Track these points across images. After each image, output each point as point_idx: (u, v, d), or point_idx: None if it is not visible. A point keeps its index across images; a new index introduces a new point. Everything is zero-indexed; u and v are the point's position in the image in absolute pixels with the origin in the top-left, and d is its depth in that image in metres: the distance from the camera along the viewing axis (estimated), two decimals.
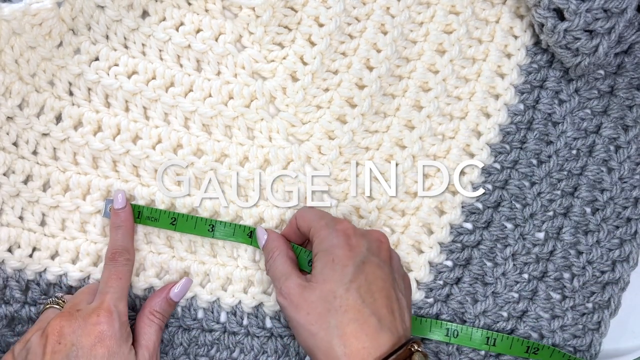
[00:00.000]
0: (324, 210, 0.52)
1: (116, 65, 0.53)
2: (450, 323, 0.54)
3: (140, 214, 0.52)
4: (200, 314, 0.54)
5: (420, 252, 0.55)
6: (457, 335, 0.53)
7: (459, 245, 0.55)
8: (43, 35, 0.49)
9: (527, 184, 0.55)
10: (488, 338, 0.54)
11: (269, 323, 0.54)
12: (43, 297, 0.52)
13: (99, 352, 0.44)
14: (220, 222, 0.53)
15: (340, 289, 0.43)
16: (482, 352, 0.55)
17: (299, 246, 0.51)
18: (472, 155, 0.55)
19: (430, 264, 0.55)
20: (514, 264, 0.55)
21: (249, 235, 0.53)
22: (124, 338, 0.46)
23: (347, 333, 0.42)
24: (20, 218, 0.52)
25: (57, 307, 0.50)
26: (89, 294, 0.49)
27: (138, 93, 0.53)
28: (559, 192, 0.55)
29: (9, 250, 0.52)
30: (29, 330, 0.48)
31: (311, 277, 0.46)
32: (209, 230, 0.53)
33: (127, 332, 0.47)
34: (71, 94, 0.52)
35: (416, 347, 0.42)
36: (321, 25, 0.53)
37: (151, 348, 0.48)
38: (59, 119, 0.52)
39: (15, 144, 0.52)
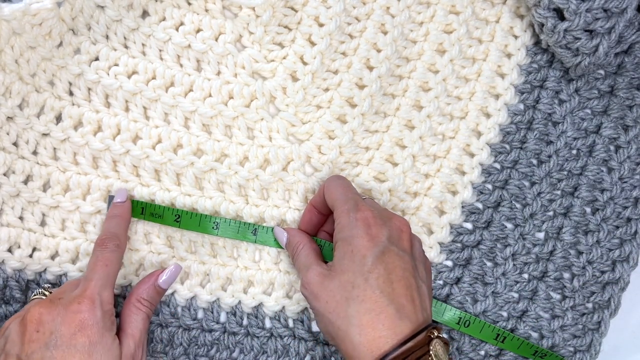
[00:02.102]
0: (350, 185, 0.51)
1: (116, 65, 0.52)
2: (465, 312, 0.54)
3: (144, 210, 0.52)
4: (200, 314, 0.54)
5: None
6: (469, 325, 0.54)
7: (459, 245, 0.55)
8: (43, 35, 0.49)
9: (527, 184, 0.55)
10: (498, 335, 0.54)
11: (268, 323, 0.54)
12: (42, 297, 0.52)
13: (79, 341, 0.42)
14: (225, 219, 0.53)
15: (359, 279, 0.43)
16: (482, 353, 0.55)
17: (322, 239, 0.52)
18: (472, 155, 0.55)
19: (430, 264, 0.55)
20: (514, 264, 0.55)
21: (253, 232, 0.53)
22: (106, 327, 0.44)
23: (363, 323, 0.42)
24: (20, 218, 0.52)
25: (43, 297, 0.48)
26: (75, 285, 0.47)
27: (138, 93, 0.53)
28: (559, 192, 0.55)
29: (9, 250, 0.52)
30: (10, 318, 0.46)
31: (331, 266, 0.46)
32: (213, 227, 0.53)
33: (110, 321, 0.45)
34: (71, 94, 0.52)
35: (436, 334, 0.42)
36: (321, 25, 0.53)
37: (137, 337, 0.47)
38: (59, 119, 0.52)
39: (15, 144, 0.52)
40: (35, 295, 0.49)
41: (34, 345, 0.42)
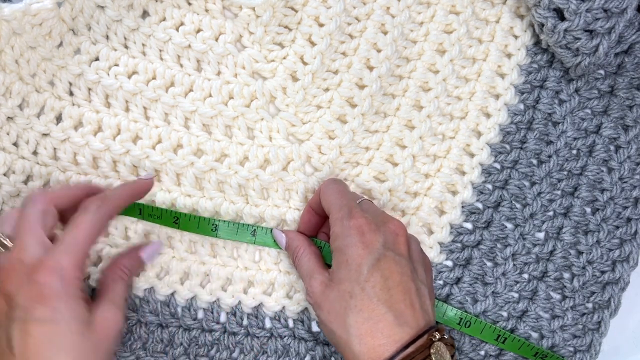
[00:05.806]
0: (346, 190, 0.50)
1: (116, 65, 0.52)
2: (465, 313, 0.54)
3: (142, 211, 0.52)
4: (200, 314, 0.54)
5: None
6: (469, 325, 0.54)
7: (459, 245, 0.55)
8: (43, 35, 0.49)
9: (527, 183, 0.55)
10: (499, 335, 0.54)
11: (268, 323, 0.54)
12: None
13: (39, 313, 0.40)
14: (224, 221, 0.53)
15: (356, 288, 0.43)
16: (482, 353, 0.55)
17: (322, 241, 0.51)
18: (472, 155, 0.55)
19: (430, 262, 0.55)
20: (514, 264, 0.55)
21: (252, 234, 0.53)
22: (75, 295, 0.41)
23: (362, 332, 0.42)
24: None
25: (1, 249, 0.44)
26: (35, 236, 0.43)
27: (138, 93, 0.53)
28: (559, 192, 0.55)
29: None
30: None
31: (331, 273, 0.46)
32: (212, 229, 0.53)
33: (77, 289, 0.42)
34: (71, 94, 0.52)
35: (438, 336, 0.42)
36: (321, 25, 0.53)
37: (117, 302, 0.45)
38: (59, 119, 0.52)
39: (15, 144, 0.52)
40: None
41: None
